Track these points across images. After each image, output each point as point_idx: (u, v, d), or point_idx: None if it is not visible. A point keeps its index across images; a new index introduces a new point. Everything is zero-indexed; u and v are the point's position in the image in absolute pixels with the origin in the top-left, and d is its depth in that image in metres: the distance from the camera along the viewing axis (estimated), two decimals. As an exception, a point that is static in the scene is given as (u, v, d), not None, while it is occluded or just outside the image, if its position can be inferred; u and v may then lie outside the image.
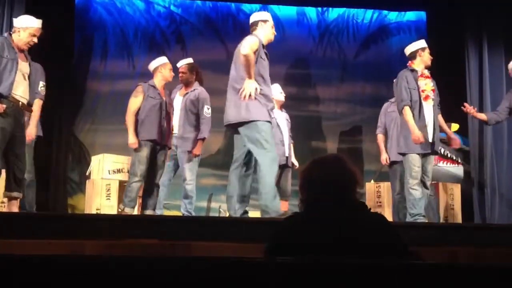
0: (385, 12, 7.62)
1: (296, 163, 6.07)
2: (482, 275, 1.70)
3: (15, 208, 4.53)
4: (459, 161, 6.71)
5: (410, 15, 7.63)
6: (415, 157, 4.80)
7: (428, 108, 4.90)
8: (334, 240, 1.98)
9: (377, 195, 6.10)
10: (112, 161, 5.94)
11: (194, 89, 5.63)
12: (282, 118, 6.02)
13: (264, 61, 4.37)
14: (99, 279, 1.62)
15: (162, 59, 5.43)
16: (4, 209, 4.37)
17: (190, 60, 5.78)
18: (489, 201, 6.30)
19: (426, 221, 4.84)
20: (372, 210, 2.17)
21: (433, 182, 5.86)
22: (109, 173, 5.85)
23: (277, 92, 5.87)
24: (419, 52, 4.97)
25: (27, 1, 6.16)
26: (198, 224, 4.18)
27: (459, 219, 6.04)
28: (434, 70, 5.18)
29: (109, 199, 5.74)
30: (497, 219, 6.14)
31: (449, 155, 6.57)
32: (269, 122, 4.31)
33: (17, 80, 4.39)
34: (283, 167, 5.80)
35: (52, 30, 5.06)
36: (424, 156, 4.86)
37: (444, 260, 3.56)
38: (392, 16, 7.63)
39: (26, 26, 4.49)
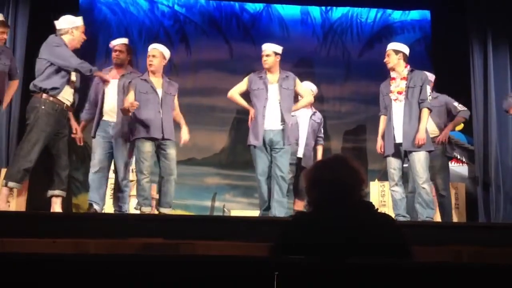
0: (389, 11, 7.59)
1: None
2: (487, 274, 1.69)
3: (57, 207, 4.58)
4: (464, 160, 6.69)
5: (414, 14, 7.61)
6: (389, 160, 5.08)
7: (398, 109, 5.08)
8: (340, 240, 1.97)
9: (381, 194, 6.10)
10: (116, 160, 5.92)
11: (131, 72, 5.28)
12: (304, 117, 5.95)
13: (256, 90, 5.20)
14: (103, 277, 1.62)
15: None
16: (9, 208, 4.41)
17: (125, 40, 5.48)
18: (494, 200, 6.28)
19: (406, 220, 4.91)
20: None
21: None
22: (113, 173, 5.84)
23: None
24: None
25: (32, 1, 6.18)
26: (203, 223, 4.19)
27: (464, 218, 6.02)
28: (439, 69, 5.18)
29: (113, 198, 5.73)
30: (502, 218, 6.12)
31: (453, 154, 6.55)
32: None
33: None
34: (298, 168, 5.76)
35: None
36: (405, 156, 5.03)
37: (449, 259, 3.55)
38: (396, 15, 7.61)
39: (77, 25, 4.71)
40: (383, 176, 6.37)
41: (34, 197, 5.36)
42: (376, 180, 6.29)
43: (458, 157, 6.66)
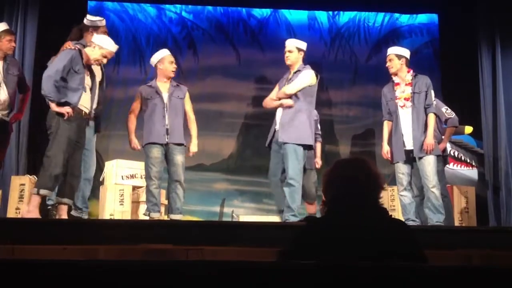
0: (396, 15, 7.58)
1: (319, 162, 5.89)
2: (497, 278, 1.68)
3: (64, 215, 4.57)
4: (474, 164, 6.65)
5: (422, 18, 7.59)
6: (397, 166, 5.11)
7: (406, 115, 5.06)
8: (352, 245, 1.96)
9: (391, 199, 6.08)
10: (126, 166, 5.96)
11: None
12: None
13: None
14: (112, 284, 1.63)
15: (159, 54, 5.27)
16: (29, 215, 4.40)
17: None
18: (504, 203, 6.24)
19: (415, 224, 4.89)
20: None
21: (447, 185, 5.83)
22: (122, 179, 5.87)
23: None
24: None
25: (41, 8, 6.23)
26: (211, 229, 4.19)
27: (474, 222, 5.98)
28: (447, 73, 5.16)
29: (122, 204, 5.75)
30: (513, 222, 6.08)
31: (463, 158, 6.52)
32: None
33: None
34: (304, 169, 5.72)
35: (64, 37, 5.09)
36: (414, 161, 5.02)
37: (459, 263, 3.53)
38: (404, 19, 7.59)
39: (102, 45, 4.63)
40: (393, 180, 6.35)
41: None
42: (386, 184, 6.27)
43: (468, 160, 6.63)
